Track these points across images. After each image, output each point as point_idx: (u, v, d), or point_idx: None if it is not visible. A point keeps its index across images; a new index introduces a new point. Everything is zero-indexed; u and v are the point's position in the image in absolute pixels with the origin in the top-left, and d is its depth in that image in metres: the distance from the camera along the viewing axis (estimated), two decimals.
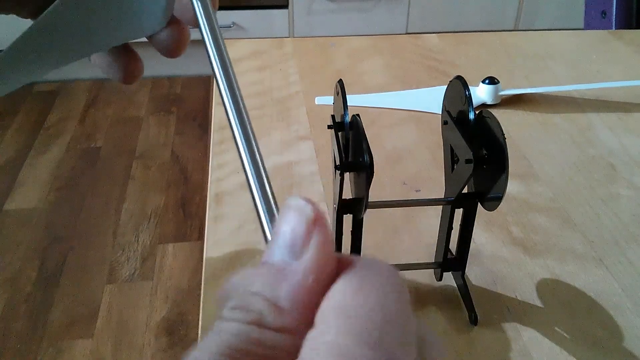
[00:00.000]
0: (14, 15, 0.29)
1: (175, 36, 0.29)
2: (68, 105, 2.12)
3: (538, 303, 0.44)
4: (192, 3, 0.24)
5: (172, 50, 0.30)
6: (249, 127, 0.20)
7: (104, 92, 2.18)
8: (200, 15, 0.23)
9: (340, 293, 0.16)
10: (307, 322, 0.16)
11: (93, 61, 0.31)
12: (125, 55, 0.31)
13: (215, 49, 0.22)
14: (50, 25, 0.26)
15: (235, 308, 0.16)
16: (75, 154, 1.88)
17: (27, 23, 0.26)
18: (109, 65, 0.31)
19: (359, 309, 0.15)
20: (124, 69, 0.31)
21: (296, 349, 0.15)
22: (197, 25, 0.24)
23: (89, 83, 2.22)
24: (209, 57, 0.22)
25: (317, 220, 0.17)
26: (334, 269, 0.17)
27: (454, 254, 0.44)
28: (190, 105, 2.14)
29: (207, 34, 0.23)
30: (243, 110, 0.21)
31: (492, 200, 0.38)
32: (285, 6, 2.14)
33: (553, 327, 0.42)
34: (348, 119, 0.39)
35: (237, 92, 0.21)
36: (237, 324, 0.16)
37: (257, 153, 0.20)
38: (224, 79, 0.21)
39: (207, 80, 2.24)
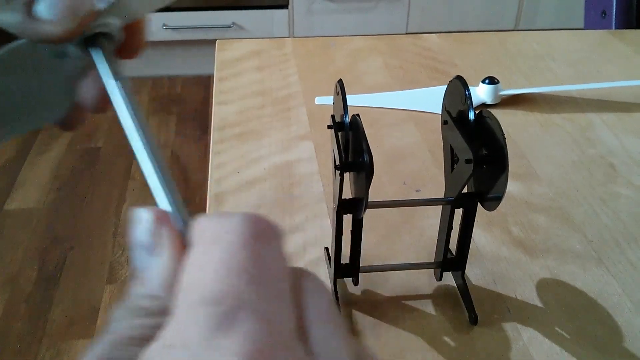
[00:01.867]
0: None
1: (74, 120, 0.31)
2: None
3: (538, 303, 0.44)
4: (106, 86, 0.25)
5: (70, 129, 0.32)
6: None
7: None
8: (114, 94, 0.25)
9: (183, 273, 0.18)
10: None
11: None
12: None
13: (137, 131, 0.24)
14: None
15: (122, 310, 0.19)
16: (75, 154, 1.88)
17: None
18: None
19: (195, 280, 0.17)
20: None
21: None
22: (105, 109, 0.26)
23: None
24: (128, 138, 0.23)
25: (158, 219, 0.20)
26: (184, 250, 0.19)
27: (454, 253, 0.44)
28: (190, 105, 2.14)
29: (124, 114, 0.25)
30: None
31: (492, 200, 0.38)
32: (285, 6, 2.14)
33: (553, 327, 0.42)
34: (348, 119, 0.39)
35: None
36: (126, 321, 0.18)
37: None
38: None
39: (207, 80, 2.24)
